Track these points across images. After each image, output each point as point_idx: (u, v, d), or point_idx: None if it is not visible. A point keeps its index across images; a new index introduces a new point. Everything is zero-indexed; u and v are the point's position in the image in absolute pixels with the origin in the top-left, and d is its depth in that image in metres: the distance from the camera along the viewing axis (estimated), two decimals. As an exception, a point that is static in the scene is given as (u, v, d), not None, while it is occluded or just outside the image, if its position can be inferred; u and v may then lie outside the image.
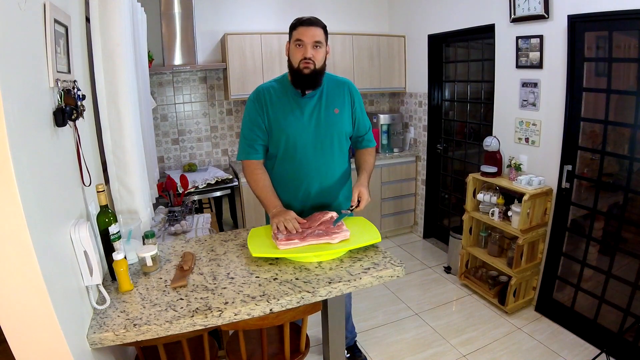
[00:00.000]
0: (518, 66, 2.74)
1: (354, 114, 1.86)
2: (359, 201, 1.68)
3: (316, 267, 1.44)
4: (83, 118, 1.23)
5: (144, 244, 1.58)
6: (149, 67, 2.76)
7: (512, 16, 2.69)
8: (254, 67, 3.36)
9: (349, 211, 1.68)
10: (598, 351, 2.21)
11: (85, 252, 1.13)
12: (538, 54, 2.56)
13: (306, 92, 1.74)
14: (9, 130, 0.80)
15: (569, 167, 2.46)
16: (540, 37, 2.53)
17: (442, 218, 3.99)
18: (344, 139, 1.84)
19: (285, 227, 1.56)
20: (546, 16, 2.45)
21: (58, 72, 1.07)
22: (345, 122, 1.82)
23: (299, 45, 1.64)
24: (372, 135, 1.97)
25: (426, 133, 3.84)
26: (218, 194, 3.18)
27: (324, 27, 1.69)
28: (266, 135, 1.78)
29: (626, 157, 2.22)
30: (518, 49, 2.71)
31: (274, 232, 1.55)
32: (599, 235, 2.43)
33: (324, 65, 1.72)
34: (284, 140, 1.75)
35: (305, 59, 1.63)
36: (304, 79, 1.68)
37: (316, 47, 1.65)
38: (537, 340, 2.45)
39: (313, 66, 1.65)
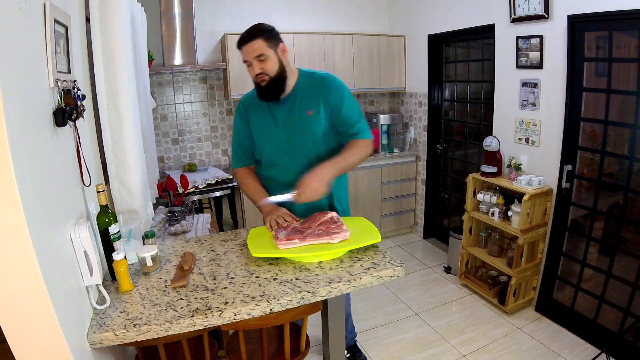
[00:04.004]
0: (518, 66, 2.74)
1: (331, 110, 1.72)
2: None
3: (316, 267, 1.44)
4: (83, 118, 1.23)
5: (144, 244, 1.58)
6: (149, 67, 2.75)
7: (512, 16, 2.69)
8: (254, 67, 3.36)
9: (290, 196, 1.59)
10: (598, 351, 2.21)
11: (85, 252, 1.13)
12: (538, 54, 2.56)
13: (280, 98, 1.71)
14: (9, 130, 0.80)
15: (569, 167, 2.46)
16: (540, 37, 2.53)
17: (442, 218, 3.99)
18: (321, 139, 1.74)
19: (278, 223, 1.62)
20: (546, 16, 2.45)
21: (58, 72, 1.07)
22: (321, 122, 1.72)
23: (248, 65, 1.63)
24: (366, 127, 1.78)
25: (426, 133, 3.84)
26: (218, 194, 3.18)
27: (266, 32, 1.60)
28: (252, 143, 1.81)
29: (626, 157, 2.22)
30: (518, 49, 2.71)
31: (273, 232, 1.56)
32: (599, 235, 2.43)
33: (282, 70, 1.64)
34: (261, 148, 1.80)
35: (256, 75, 1.62)
36: (264, 91, 1.66)
37: (261, 60, 1.59)
38: (537, 340, 2.45)
39: (268, 77, 1.61)
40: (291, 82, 1.71)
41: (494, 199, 2.77)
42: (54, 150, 1.06)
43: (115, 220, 1.32)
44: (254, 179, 1.84)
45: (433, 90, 3.72)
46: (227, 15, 3.55)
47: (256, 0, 3.63)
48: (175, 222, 2.20)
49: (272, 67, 1.61)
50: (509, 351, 2.36)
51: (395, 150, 3.94)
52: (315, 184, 1.55)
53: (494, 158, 2.85)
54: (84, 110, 1.21)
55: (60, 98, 1.08)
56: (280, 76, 1.64)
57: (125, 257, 1.29)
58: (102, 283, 1.25)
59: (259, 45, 1.58)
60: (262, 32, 1.59)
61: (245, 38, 1.59)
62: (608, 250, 2.33)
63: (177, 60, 3.21)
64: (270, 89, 1.65)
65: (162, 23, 3.09)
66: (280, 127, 1.73)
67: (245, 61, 1.63)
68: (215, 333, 1.80)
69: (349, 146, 1.73)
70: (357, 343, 2.38)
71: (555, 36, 2.44)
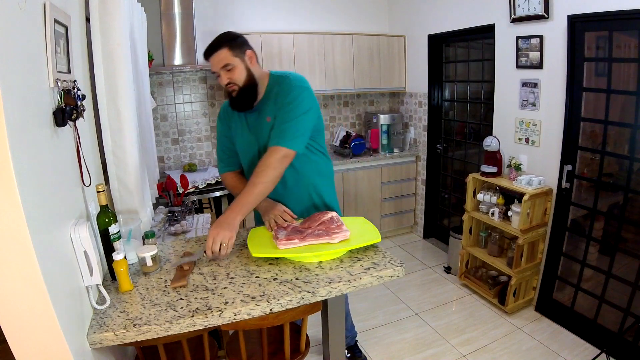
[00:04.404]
0: (518, 66, 2.74)
1: (278, 110, 1.63)
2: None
3: (316, 267, 1.44)
4: (83, 118, 1.23)
5: (144, 244, 1.58)
6: (149, 67, 2.75)
7: (512, 16, 2.69)
8: (254, 67, 3.36)
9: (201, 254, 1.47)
10: (598, 351, 2.21)
11: (85, 252, 1.13)
12: (538, 54, 2.56)
13: (254, 105, 1.69)
14: (9, 130, 0.80)
15: (569, 167, 2.46)
16: (540, 37, 2.53)
17: (442, 218, 3.99)
18: None
19: (277, 222, 1.63)
20: (546, 16, 2.45)
21: (58, 72, 1.07)
22: None
23: (217, 76, 1.62)
24: (292, 134, 1.57)
25: (426, 133, 3.84)
26: (218, 194, 3.18)
27: (230, 41, 1.57)
28: (235, 148, 1.82)
29: (626, 157, 2.22)
30: (518, 49, 2.71)
31: (273, 232, 1.56)
32: (599, 235, 2.43)
33: (251, 77, 1.61)
34: (240, 154, 1.81)
35: (225, 85, 1.61)
36: (235, 102, 1.64)
37: (228, 69, 1.57)
38: (537, 340, 2.45)
39: (237, 87, 1.60)
40: (262, 88, 1.68)
41: (494, 199, 2.77)
42: (54, 150, 1.06)
43: (115, 220, 1.32)
44: (242, 182, 1.82)
45: (433, 90, 3.72)
46: (227, 15, 3.55)
47: (256, 0, 3.63)
48: (175, 222, 2.20)
49: (239, 76, 1.58)
50: (509, 351, 2.36)
51: (395, 150, 3.94)
52: (224, 232, 1.42)
53: (494, 158, 2.85)
54: (84, 110, 1.21)
55: (60, 98, 1.08)
56: (250, 84, 1.61)
57: (125, 257, 1.29)
58: (102, 283, 1.25)
59: (224, 55, 1.56)
60: (226, 42, 1.56)
61: (210, 49, 1.57)
62: (608, 250, 2.33)
63: (177, 60, 3.20)
64: (241, 98, 1.62)
65: (162, 23, 3.09)
66: (252, 134, 1.72)
67: (213, 72, 1.62)
68: (215, 333, 1.80)
69: (259, 164, 1.55)
70: (357, 343, 2.38)
71: (555, 36, 2.44)
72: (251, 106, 1.67)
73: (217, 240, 1.42)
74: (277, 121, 1.61)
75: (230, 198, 3.42)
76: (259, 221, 1.88)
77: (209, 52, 1.58)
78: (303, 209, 1.80)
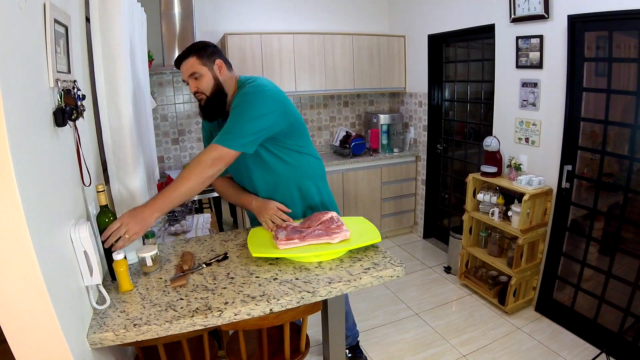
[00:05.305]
0: (518, 66, 2.74)
1: None
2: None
3: (316, 267, 1.44)
4: (83, 118, 1.23)
5: (144, 244, 1.58)
6: (149, 67, 2.75)
7: (512, 16, 2.69)
8: (253, 68, 3.36)
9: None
10: (598, 351, 2.21)
11: (85, 252, 1.13)
12: (538, 54, 2.56)
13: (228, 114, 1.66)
14: (9, 130, 0.80)
15: (569, 167, 2.46)
16: (540, 37, 2.53)
17: (442, 218, 3.99)
18: (251, 153, 1.59)
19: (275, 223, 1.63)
20: (546, 16, 2.45)
21: (58, 72, 1.07)
22: None
23: (187, 84, 1.63)
24: (232, 135, 1.48)
25: (426, 133, 3.84)
26: (218, 193, 3.18)
27: (199, 50, 1.58)
28: None
29: (626, 157, 2.22)
30: (518, 49, 2.71)
31: (273, 232, 1.56)
32: (599, 235, 2.43)
33: (218, 87, 1.60)
34: None
35: (194, 94, 1.62)
36: (205, 111, 1.65)
37: (195, 78, 1.58)
38: (537, 340, 2.45)
39: (205, 96, 1.60)
40: (232, 97, 1.66)
41: (494, 199, 2.77)
42: (54, 150, 1.06)
43: (115, 220, 1.32)
44: (232, 186, 1.81)
45: (433, 90, 3.72)
46: (227, 15, 3.55)
47: (256, 0, 3.63)
48: (175, 222, 2.20)
49: (207, 85, 1.59)
50: (509, 351, 2.36)
51: (395, 150, 3.94)
52: (134, 227, 1.30)
53: (494, 158, 2.85)
54: (84, 110, 1.21)
55: (60, 98, 1.08)
56: (217, 93, 1.61)
57: (125, 257, 1.29)
58: (102, 283, 1.26)
59: (191, 63, 1.57)
60: (195, 51, 1.58)
61: (180, 58, 1.59)
62: (608, 250, 2.33)
63: (177, 60, 3.20)
64: (209, 108, 1.62)
65: (162, 23, 3.09)
66: None
67: (184, 81, 1.64)
68: (215, 333, 1.80)
69: (193, 160, 1.48)
70: (359, 343, 2.37)
71: (555, 36, 2.44)
72: (220, 116, 1.67)
73: (121, 232, 1.27)
74: (228, 123, 1.53)
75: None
76: (254, 222, 1.87)
77: (178, 61, 1.60)
78: (290, 214, 1.73)
